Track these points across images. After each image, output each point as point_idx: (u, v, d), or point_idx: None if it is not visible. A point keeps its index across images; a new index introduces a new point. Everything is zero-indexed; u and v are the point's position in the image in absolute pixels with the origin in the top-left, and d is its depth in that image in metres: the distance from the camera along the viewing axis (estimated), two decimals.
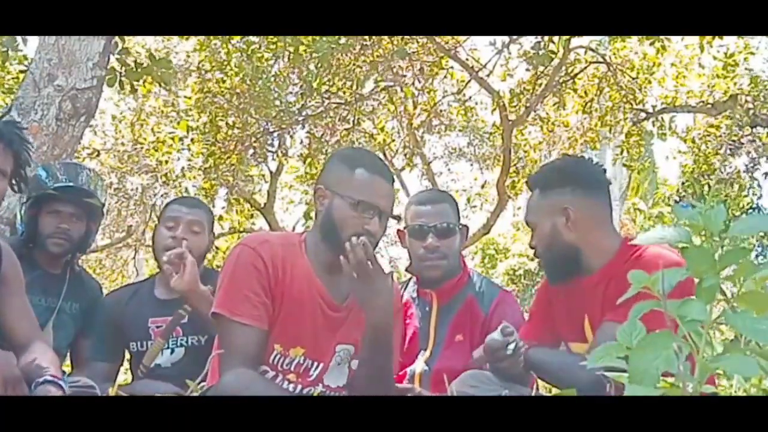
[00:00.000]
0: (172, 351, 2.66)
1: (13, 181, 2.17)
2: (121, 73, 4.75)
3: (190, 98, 9.26)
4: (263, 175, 10.88)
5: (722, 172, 9.84)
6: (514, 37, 7.99)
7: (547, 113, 9.56)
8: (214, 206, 10.21)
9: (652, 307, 1.05)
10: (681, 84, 9.13)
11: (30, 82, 3.86)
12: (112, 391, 2.23)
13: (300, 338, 2.05)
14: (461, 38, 8.39)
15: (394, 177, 10.71)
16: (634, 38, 8.57)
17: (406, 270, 2.83)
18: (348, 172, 2.08)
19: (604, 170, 2.39)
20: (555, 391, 2.34)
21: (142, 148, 10.01)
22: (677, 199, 10.31)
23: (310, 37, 7.17)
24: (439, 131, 11.19)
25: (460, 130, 11.77)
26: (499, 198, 9.54)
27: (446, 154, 13.04)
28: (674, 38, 8.46)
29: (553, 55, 7.47)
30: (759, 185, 10.01)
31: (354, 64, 8.10)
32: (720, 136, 9.59)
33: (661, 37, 7.83)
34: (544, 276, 2.45)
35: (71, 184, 2.78)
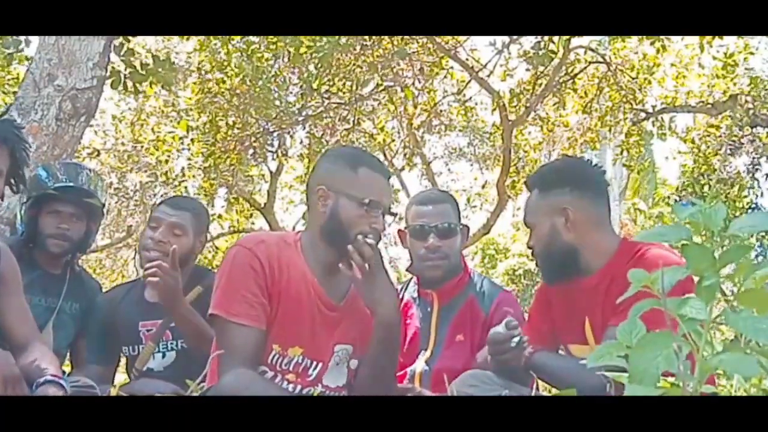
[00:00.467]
0: (164, 355, 2.64)
1: (12, 181, 2.17)
2: (125, 74, 4.76)
3: (190, 98, 9.26)
4: (263, 175, 10.89)
5: (722, 173, 9.84)
6: (514, 37, 7.99)
7: (547, 113, 9.57)
8: (213, 206, 10.22)
9: (651, 306, 1.05)
10: (681, 84, 9.14)
11: (30, 82, 3.86)
12: (113, 391, 2.23)
13: (298, 338, 2.06)
14: (461, 38, 8.39)
15: (395, 177, 10.70)
16: (634, 38, 8.57)
17: (407, 270, 2.83)
18: (351, 172, 2.09)
19: (604, 171, 2.40)
20: (555, 391, 2.34)
21: (142, 147, 10.02)
22: (677, 198, 10.31)
23: (310, 38, 7.17)
24: (439, 131, 11.20)
25: (460, 130, 11.78)
26: (499, 198, 9.54)
27: (446, 154, 13.06)
28: (674, 38, 8.47)
29: (553, 55, 7.47)
30: (759, 185, 10.01)
31: (354, 65, 8.10)
32: (720, 136, 9.59)
33: (661, 37, 7.83)
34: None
35: (71, 184, 2.78)
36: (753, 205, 9.95)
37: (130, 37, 4.88)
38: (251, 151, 9.17)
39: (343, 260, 2.06)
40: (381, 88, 8.73)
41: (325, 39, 6.87)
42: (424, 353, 2.66)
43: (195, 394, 1.67)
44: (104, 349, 2.75)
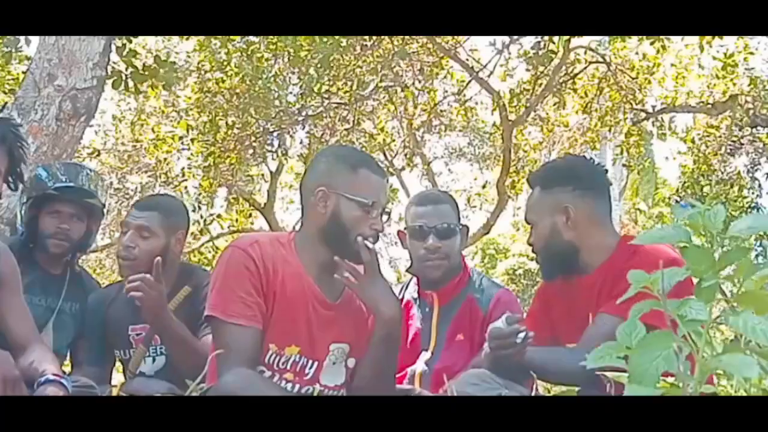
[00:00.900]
0: (154, 359, 2.61)
1: (9, 179, 2.17)
2: (126, 75, 4.76)
3: (190, 98, 9.26)
4: (263, 175, 10.89)
5: (722, 173, 9.84)
6: (514, 37, 7.99)
7: (547, 113, 9.57)
8: (213, 206, 10.22)
9: (651, 307, 1.05)
10: (681, 84, 9.13)
11: (30, 82, 3.86)
12: (115, 392, 2.23)
13: (295, 337, 2.06)
14: (461, 38, 8.39)
15: (395, 177, 10.68)
16: (634, 38, 8.57)
17: (407, 271, 2.83)
18: (351, 173, 2.09)
19: (605, 170, 2.40)
20: (555, 391, 2.34)
21: (142, 147, 10.02)
22: (677, 199, 10.31)
23: (310, 39, 7.18)
24: (439, 131, 11.20)
25: (460, 130, 11.78)
26: (499, 198, 9.54)
27: (446, 154, 13.06)
28: (674, 38, 8.46)
29: (553, 55, 7.48)
30: (759, 186, 10.01)
31: (354, 65, 8.11)
32: (720, 136, 9.59)
33: (661, 37, 7.83)
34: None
35: (71, 184, 2.78)
36: (753, 206, 9.95)
37: (131, 38, 4.88)
38: (251, 150, 9.17)
39: (337, 266, 2.07)
40: (381, 88, 8.73)
41: (325, 40, 6.87)
42: (425, 353, 2.66)
43: (195, 394, 1.67)
44: (97, 350, 2.72)
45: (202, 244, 11.02)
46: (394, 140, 10.58)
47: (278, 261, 2.06)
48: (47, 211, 2.77)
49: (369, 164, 2.13)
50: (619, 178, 13.64)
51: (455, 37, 8.25)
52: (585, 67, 8.78)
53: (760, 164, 9.89)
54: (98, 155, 9.89)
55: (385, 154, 10.43)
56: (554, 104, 9.05)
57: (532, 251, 2.35)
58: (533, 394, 2.08)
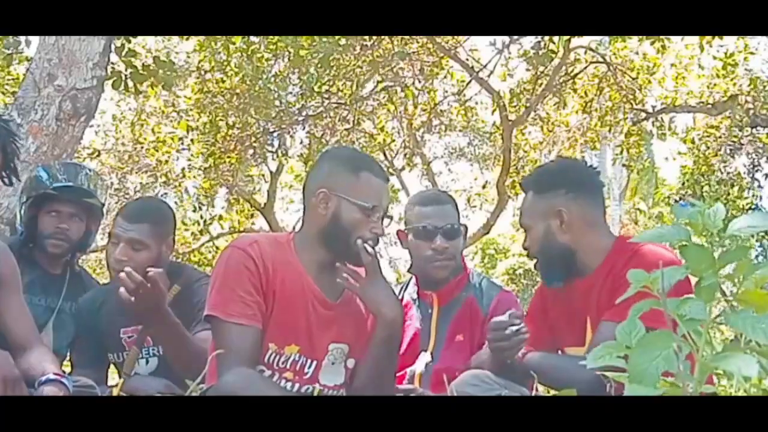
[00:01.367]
0: (147, 361, 2.60)
1: (3, 174, 2.17)
2: (126, 75, 4.76)
3: (190, 98, 9.26)
4: (263, 175, 10.89)
5: (722, 173, 9.84)
6: (514, 37, 7.99)
7: (547, 113, 9.57)
8: (213, 206, 10.23)
9: (651, 306, 1.05)
10: (681, 84, 9.13)
11: (30, 82, 3.86)
12: (115, 392, 2.22)
13: (294, 336, 2.06)
14: (461, 38, 8.39)
15: (395, 177, 10.68)
16: (634, 38, 8.57)
17: (409, 271, 2.83)
18: (353, 176, 2.09)
19: (598, 172, 2.41)
20: (554, 391, 2.34)
21: (142, 148, 10.02)
22: (677, 199, 10.31)
23: (310, 39, 7.18)
24: (439, 131, 11.20)
25: (460, 130, 11.78)
26: (499, 198, 9.55)
27: (446, 154, 13.06)
28: (674, 38, 8.46)
29: (553, 55, 7.47)
30: (759, 186, 10.01)
31: (354, 65, 8.11)
32: (720, 136, 9.59)
33: (661, 37, 7.83)
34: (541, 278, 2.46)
35: (71, 184, 2.78)
36: (753, 206, 9.94)
37: (130, 38, 4.88)
38: (251, 151, 9.18)
39: (339, 270, 2.07)
40: (381, 88, 8.73)
41: (325, 39, 6.87)
42: (424, 354, 2.67)
43: (195, 394, 1.67)
44: (92, 352, 2.69)
45: (202, 244, 11.03)
46: (394, 140, 10.57)
47: (278, 260, 2.06)
48: (46, 210, 2.76)
49: (371, 167, 2.14)
50: (619, 178, 13.65)
51: (455, 37, 8.25)
52: (585, 67, 8.78)
53: (760, 164, 9.88)
54: (98, 155, 9.88)
55: (385, 154, 10.43)
56: (554, 104, 9.05)
57: (528, 256, 2.35)
58: (533, 394, 2.08)
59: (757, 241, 9.63)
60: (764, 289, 1.05)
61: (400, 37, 7.90)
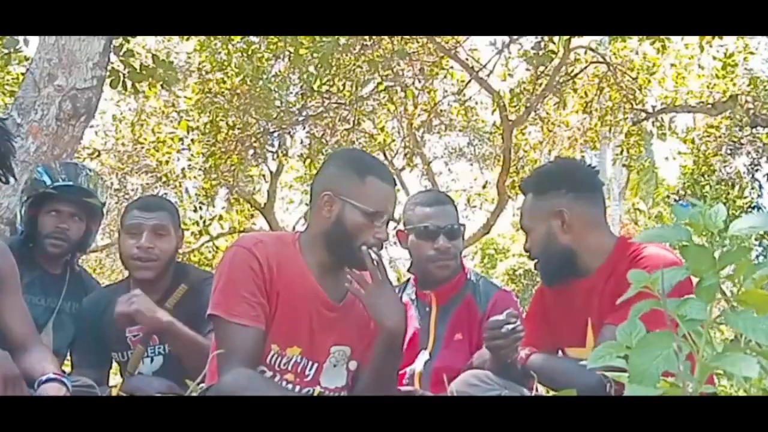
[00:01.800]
0: (152, 360, 2.60)
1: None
2: (124, 74, 4.76)
3: (190, 98, 9.26)
4: (263, 175, 10.89)
5: (722, 173, 9.84)
6: (514, 37, 7.99)
7: (547, 113, 9.57)
8: (214, 206, 10.22)
9: (651, 307, 1.05)
10: (681, 84, 9.14)
11: (30, 82, 3.86)
12: (115, 391, 2.22)
13: (297, 338, 2.05)
14: (461, 38, 8.39)
15: (395, 177, 10.71)
16: (634, 38, 8.57)
17: (409, 270, 2.83)
18: (358, 180, 2.06)
19: (597, 171, 2.41)
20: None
21: (142, 148, 10.02)
22: (677, 199, 10.31)
23: (310, 38, 7.18)
24: (439, 131, 11.21)
25: (460, 130, 11.78)
26: (499, 198, 9.55)
27: (446, 154, 13.06)
28: (674, 38, 8.47)
29: (553, 55, 7.47)
30: (760, 186, 10.01)
31: (354, 65, 8.10)
32: (720, 136, 9.59)
33: (661, 37, 7.83)
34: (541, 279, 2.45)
35: (71, 183, 2.78)
36: (753, 206, 9.94)
37: (129, 38, 4.88)
38: (251, 151, 9.17)
39: (346, 275, 2.06)
40: (381, 88, 8.73)
41: (325, 39, 6.87)
42: (423, 353, 2.67)
43: (195, 394, 1.67)
44: (93, 353, 2.69)
45: (202, 244, 11.03)
46: (394, 140, 10.58)
47: (282, 261, 2.05)
48: (46, 210, 2.76)
49: (378, 172, 2.10)
50: (619, 178, 13.64)
51: (455, 37, 8.25)
52: (585, 67, 8.78)
53: (760, 164, 9.89)
54: (98, 156, 9.88)
55: (385, 154, 10.42)
56: (554, 104, 9.05)
57: (529, 258, 2.35)
58: (533, 394, 2.08)
59: (757, 241, 9.62)
60: (765, 290, 1.05)
61: (400, 37, 7.90)
